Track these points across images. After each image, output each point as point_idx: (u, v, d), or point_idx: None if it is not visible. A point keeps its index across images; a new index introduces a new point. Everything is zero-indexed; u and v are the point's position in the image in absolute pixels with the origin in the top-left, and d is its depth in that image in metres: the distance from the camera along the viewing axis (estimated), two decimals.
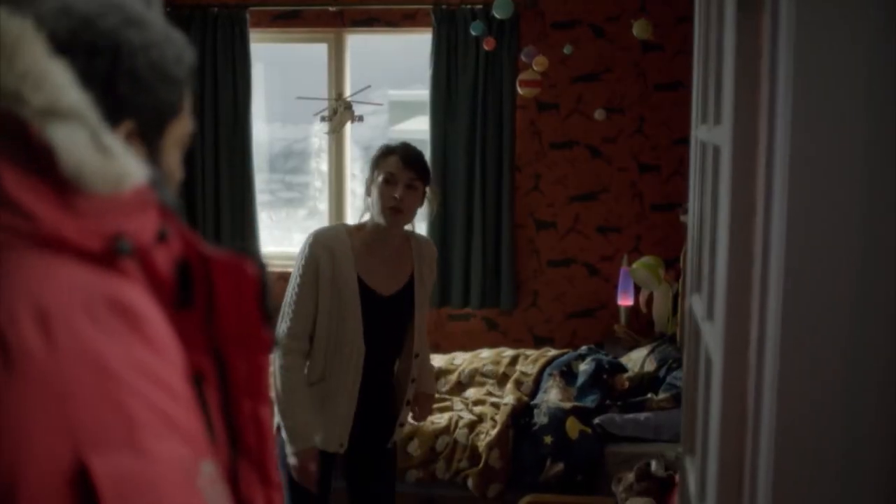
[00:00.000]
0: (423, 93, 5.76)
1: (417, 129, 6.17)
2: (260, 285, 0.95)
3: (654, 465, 2.16)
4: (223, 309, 0.95)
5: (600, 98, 5.44)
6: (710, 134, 1.80)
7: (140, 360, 0.80)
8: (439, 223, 5.45)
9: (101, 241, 0.85)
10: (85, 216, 0.84)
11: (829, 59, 1.23)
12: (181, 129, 1.07)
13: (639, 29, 5.03)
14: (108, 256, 0.86)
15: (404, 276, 2.98)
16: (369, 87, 5.62)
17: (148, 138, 1.01)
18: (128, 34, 0.98)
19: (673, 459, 2.18)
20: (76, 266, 0.83)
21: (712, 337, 1.69)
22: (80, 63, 0.93)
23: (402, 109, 6.75)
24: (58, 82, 0.86)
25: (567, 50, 5.26)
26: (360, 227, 2.95)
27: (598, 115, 5.40)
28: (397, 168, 2.87)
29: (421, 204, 2.95)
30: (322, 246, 2.84)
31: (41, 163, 0.83)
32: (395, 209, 2.83)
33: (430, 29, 5.48)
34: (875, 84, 1.22)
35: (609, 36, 5.40)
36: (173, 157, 1.07)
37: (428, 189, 2.96)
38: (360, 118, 5.66)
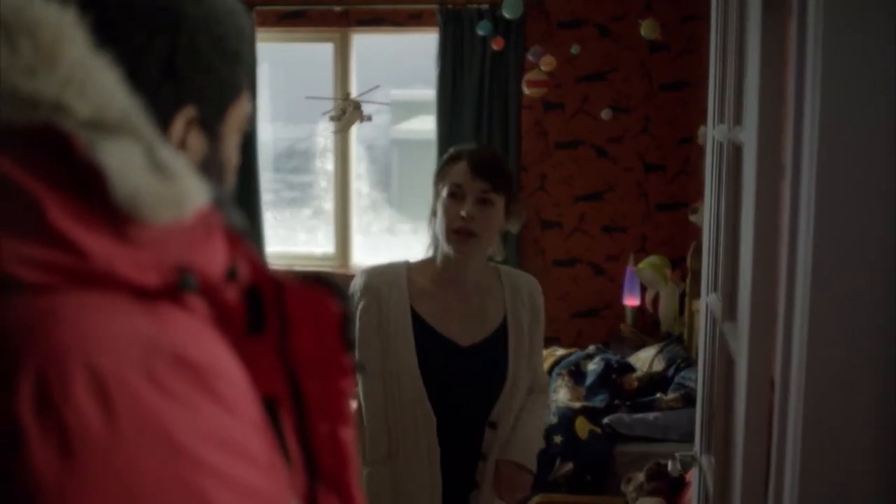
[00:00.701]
0: (425, 92, 5.76)
1: (421, 129, 6.18)
2: (342, 318, 0.85)
3: (670, 464, 2.15)
4: (299, 336, 0.85)
5: (606, 98, 5.45)
6: (731, 133, 1.80)
7: (210, 426, 0.70)
8: None
9: (161, 276, 0.75)
10: (142, 248, 0.74)
11: (857, 59, 1.23)
12: (241, 111, 0.95)
13: (646, 28, 5.03)
14: (171, 293, 0.76)
15: (492, 322, 2.27)
16: (378, 86, 5.61)
17: (209, 125, 0.90)
18: (187, 7, 0.85)
19: (689, 459, 2.17)
20: (133, 309, 0.73)
21: (735, 337, 1.69)
22: (137, 42, 0.82)
23: (405, 109, 6.75)
24: (104, 85, 0.74)
25: (574, 50, 5.26)
26: (428, 262, 2.29)
27: (604, 114, 5.41)
28: (465, 178, 2.18)
29: (502, 223, 2.25)
30: (366, 288, 2.22)
31: (90, 186, 0.72)
32: (462, 231, 2.17)
33: (436, 29, 5.49)
34: None
35: (614, 35, 5.40)
36: (232, 144, 0.95)
37: (511, 202, 2.25)
38: (370, 118, 5.66)
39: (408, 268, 2.28)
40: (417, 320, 2.21)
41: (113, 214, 0.72)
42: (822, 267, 1.21)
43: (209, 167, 0.91)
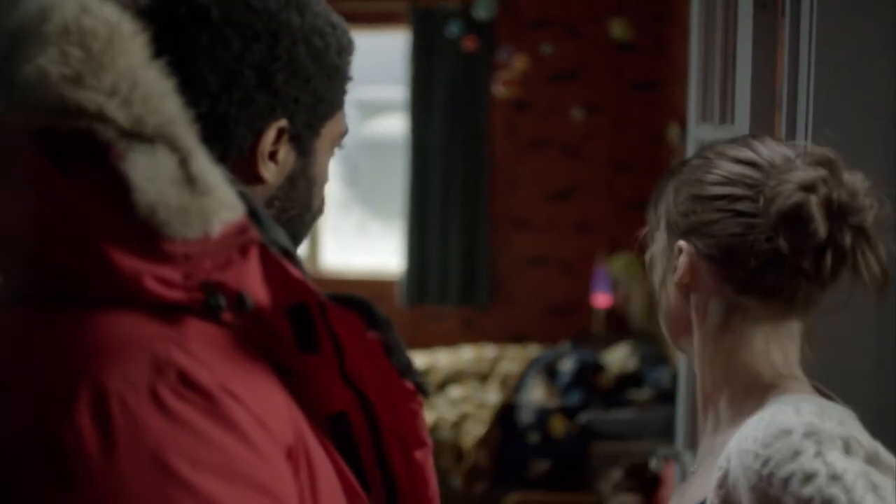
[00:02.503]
0: (393, 91, 5.75)
1: (390, 127, 6.17)
2: (384, 346, 0.81)
3: (654, 462, 2.17)
4: (352, 356, 0.82)
5: (576, 97, 5.47)
6: (716, 133, 1.81)
7: (213, 454, 0.69)
8: (416, 222, 5.44)
9: (188, 293, 0.74)
10: (171, 263, 0.73)
11: (849, 58, 1.24)
12: (337, 128, 0.94)
13: (617, 28, 5.06)
14: (199, 311, 0.74)
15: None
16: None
17: (301, 139, 0.89)
18: (289, 17, 0.84)
19: (672, 455, 2.19)
20: (153, 327, 0.72)
21: None
22: (235, 48, 0.81)
23: (374, 108, 6.73)
24: (152, 95, 0.73)
25: (546, 49, 5.27)
26: None
27: (575, 114, 5.43)
28: None
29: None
30: None
31: (122, 198, 0.71)
32: None
33: (406, 27, 5.48)
34: None
35: (585, 35, 5.42)
36: (325, 161, 0.94)
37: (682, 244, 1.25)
38: None
39: None
40: None
41: (144, 228, 0.71)
42: None
43: (297, 182, 0.91)
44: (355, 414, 0.85)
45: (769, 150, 1.01)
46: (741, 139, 1.07)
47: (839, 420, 0.90)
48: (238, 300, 0.75)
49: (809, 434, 0.87)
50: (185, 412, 0.68)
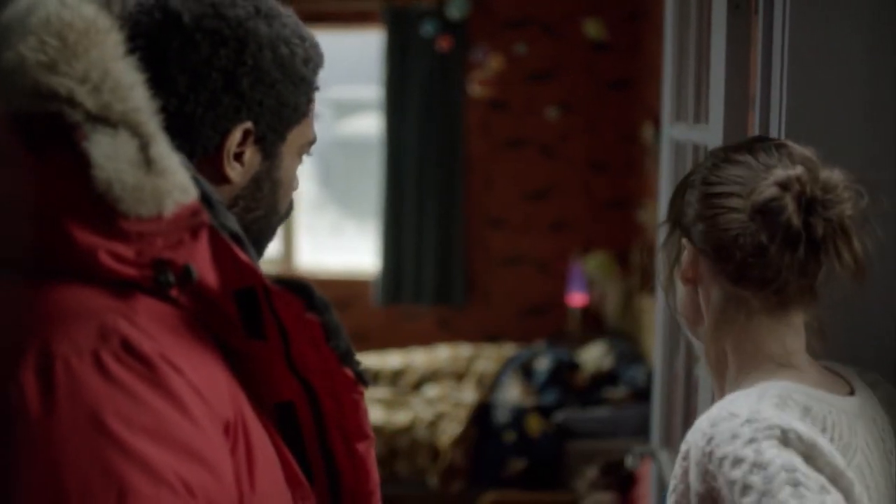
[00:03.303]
0: (368, 91, 5.74)
1: (365, 127, 6.15)
2: (324, 329, 0.85)
3: (629, 459, 2.18)
4: (296, 341, 0.86)
5: (551, 97, 5.48)
6: (690, 132, 1.82)
7: (148, 418, 0.73)
8: (391, 222, 5.43)
9: (140, 269, 0.79)
10: (125, 240, 0.78)
11: (822, 58, 1.25)
12: (304, 135, 0.99)
13: (591, 28, 5.08)
14: (150, 287, 0.79)
15: None
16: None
17: (266, 143, 0.93)
18: (256, 25, 0.90)
19: (648, 453, 2.20)
20: (105, 299, 0.77)
21: None
22: (203, 52, 0.87)
23: (348, 108, 6.72)
24: (122, 83, 0.78)
25: (521, 49, 5.28)
26: None
27: (550, 113, 5.44)
28: None
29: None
30: None
31: (83, 176, 0.77)
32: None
33: (381, 27, 5.47)
34: (871, 81, 1.24)
35: (559, 35, 5.44)
36: (291, 165, 0.99)
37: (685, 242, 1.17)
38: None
39: None
40: None
41: (102, 205, 0.76)
42: None
43: (262, 183, 0.95)
44: (301, 404, 0.88)
45: (765, 152, 1.08)
46: (748, 142, 1.14)
47: (799, 412, 0.96)
48: (184, 272, 0.79)
49: (751, 421, 0.93)
50: (124, 376, 0.73)
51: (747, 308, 1.07)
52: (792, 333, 1.08)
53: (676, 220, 1.15)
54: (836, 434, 1.00)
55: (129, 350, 0.74)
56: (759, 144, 1.10)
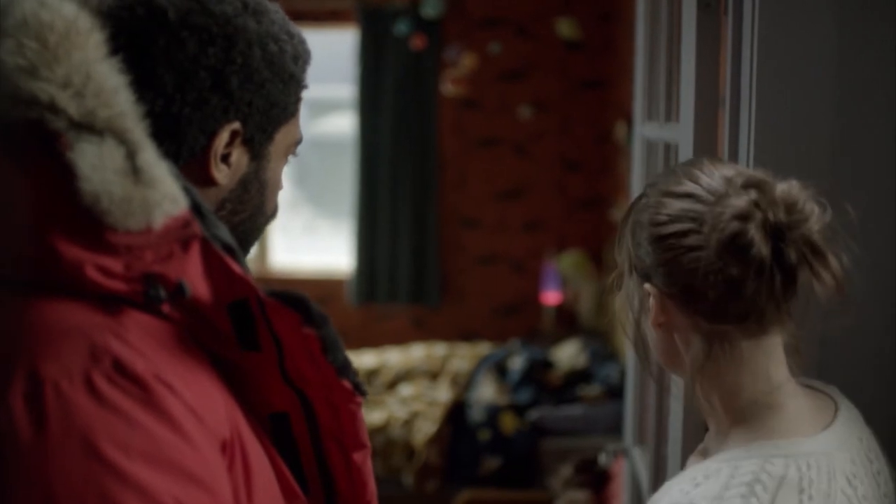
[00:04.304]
0: (341, 90, 5.73)
1: (338, 126, 6.14)
2: (321, 342, 0.82)
3: (603, 457, 2.19)
4: (292, 354, 0.83)
5: (524, 96, 5.49)
6: (661, 131, 1.83)
7: (143, 441, 0.70)
8: (365, 221, 5.42)
9: (129, 283, 0.75)
10: (113, 253, 0.74)
11: (791, 57, 1.26)
12: (291, 135, 0.95)
13: (564, 27, 5.09)
14: (140, 302, 0.76)
15: None
16: None
17: (254, 143, 0.90)
18: (245, 22, 0.86)
19: (621, 451, 2.21)
20: (93, 316, 0.73)
21: None
22: (190, 50, 0.83)
23: (320, 107, 6.70)
24: (105, 87, 0.74)
25: (494, 48, 5.29)
26: None
27: (523, 112, 5.45)
28: None
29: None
30: None
31: (68, 187, 0.72)
32: None
33: (354, 26, 5.46)
34: (840, 79, 1.26)
35: (533, 34, 5.45)
36: (278, 166, 0.96)
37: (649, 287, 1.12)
38: None
39: None
40: None
41: (89, 218, 0.73)
42: None
43: (249, 185, 0.92)
44: (296, 415, 0.86)
45: (707, 177, 1.02)
46: (679, 170, 1.07)
47: (768, 498, 0.93)
48: (177, 289, 0.76)
49: None
50: (117, 399, 0.70)
51: (729, 341, 1.01)
52: (774, 361, 1.03)
53: (632, 265, 1.09)
54: (815, 490, 0.95)
55: (122, 371, 0.71)
56: (697, 170, 1.04)
